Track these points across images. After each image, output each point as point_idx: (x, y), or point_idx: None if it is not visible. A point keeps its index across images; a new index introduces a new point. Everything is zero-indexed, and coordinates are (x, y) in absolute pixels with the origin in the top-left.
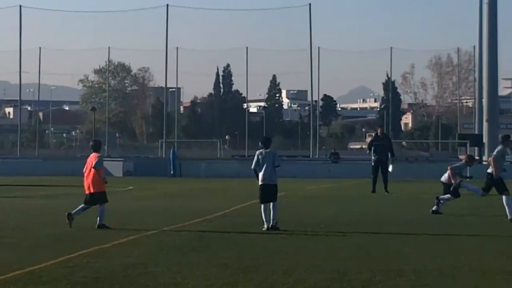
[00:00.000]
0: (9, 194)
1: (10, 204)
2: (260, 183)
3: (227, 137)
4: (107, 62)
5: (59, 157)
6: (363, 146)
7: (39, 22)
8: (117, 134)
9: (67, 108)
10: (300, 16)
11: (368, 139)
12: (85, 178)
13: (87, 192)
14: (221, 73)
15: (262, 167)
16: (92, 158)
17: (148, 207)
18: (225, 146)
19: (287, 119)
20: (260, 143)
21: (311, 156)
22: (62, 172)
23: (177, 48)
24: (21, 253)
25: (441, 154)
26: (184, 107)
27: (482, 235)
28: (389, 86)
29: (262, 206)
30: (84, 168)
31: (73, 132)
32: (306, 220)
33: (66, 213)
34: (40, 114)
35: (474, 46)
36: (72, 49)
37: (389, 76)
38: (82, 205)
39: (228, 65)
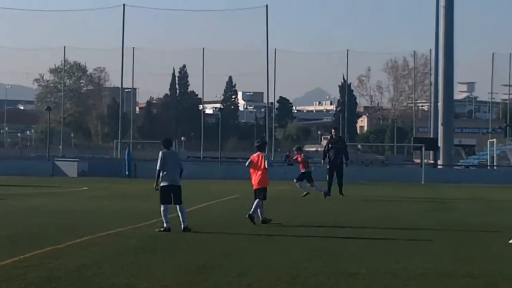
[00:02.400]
0: None
1: None
2: (163, 184)
3: (182, 138)
4: (63, 62)
5: (14, 156)
6: (319, 149)
7: None
8: (72, 134)
9: (22, 107)
10: (257, 18)
11: (324, 142)
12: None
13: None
14: (177, 74)
15: (167, 168)
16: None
17: (103, 207)
18: (181, 148)
19: (243, 120)
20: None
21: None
22: (16, 171)
23: (133, 48)
24: None
25: (396, 158)
26: (140, 108)
27: (436, 238)
28: (345, 88)
29: (163, 206)
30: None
31: (28, 132)
32: (259, 222)
33: (247, 215)
34: None
35: (430, 50)
36: (27, 48)
37: (345, 78)
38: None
39: (184, 66)
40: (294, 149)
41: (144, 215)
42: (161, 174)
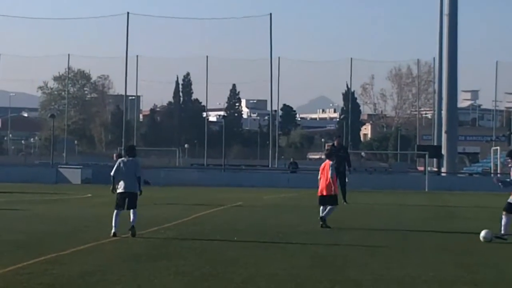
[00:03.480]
0: None
1: None
2: (119, 190)
3: (186, 145)
4: (67, 69)
5: (18, 163)
6: (322, 157)
7: None
8: (76, 141)
9: (26, 114)
10: (261, 26)
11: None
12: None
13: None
14: (181, 82)
15: (122, 175)
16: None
17: (107, 214)
18: (184, 155)
19: (247, 128)
20: None
21: (270, 166)
22: (20, 178)
23: (137, 56)
24: None
25: (400, 165)
26: (144, 115)
27: (439, 246)
28: (349, 96)
29: (115, 211)
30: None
31: (32, 139)
32: (264, 229)
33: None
34: None
35: (434, 58)
36: (32, 56)
37: (349, 86)
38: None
39: (188, 74)
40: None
41: (147, 222)
42: (116, 180)
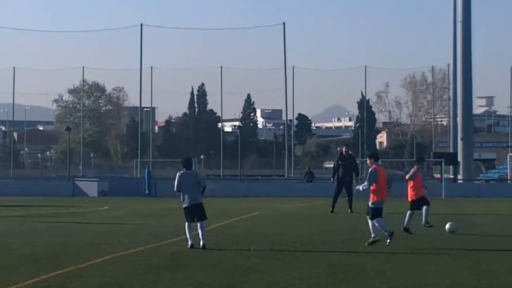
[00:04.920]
0: None
1: None
2: (184, 205)
3: (202, 156)
4: (82, 82)
5: (34, 177)
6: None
7: (13, 42)
8: (91, 154)
9: (41, 128)
10: (274, 35)
11: None
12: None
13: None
14: (195, 92)
15: (184, 188)
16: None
17: (123, 227)
18: (200, 166)
19: (262, 138)
20: None
21: (286, 175)
22: (37, 192)
23: (151, 67)
24: None
25: None
26: (159, 127)
27: (457, 252)
28: (364, 105)
29: (187, 224)
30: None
31: (48, 152)
32: (281, 239)
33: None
34: (15, 134)
35: (448, 65)
36: (46, 69)
37: (364, 95)
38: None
39: (202, 84)
40: None
41: (164, 233)
42: (181, 195)
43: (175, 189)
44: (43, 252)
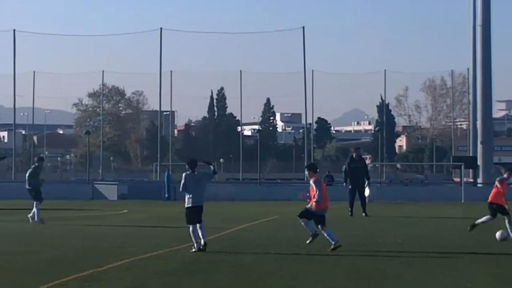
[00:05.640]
0: (2, 218)
1: (4, 228)
2: (187, 205)
3: (221, 160)
4: (101, 86)
5: (54, 180)
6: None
7: (33, 46)
8: (111, 158)
9: (61, 132)
10: (294, 39)
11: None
12: None
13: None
14: (215, 96)
15: (190, 189)
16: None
17: (143, 230)
18: (220, 169)
19: (281, 142)
20: None
21: (305, 179)
22: (57, 195)
23: (171, 71)
24: (17, 277)
25: (436, 177)
26: (178, 130)
27: (476, 257)
28: (383, 108)
29: (191, 227)
30: None
31: (68, 156)
32: (300, 243)
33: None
34: (35, 138)
35: (468, 69)
36: (66, 73)
37: (383, 98)
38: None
39: (222, 88)
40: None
41: (183, 237)
42: (186, 195)
43: (180, 189)
44: (62, 256)
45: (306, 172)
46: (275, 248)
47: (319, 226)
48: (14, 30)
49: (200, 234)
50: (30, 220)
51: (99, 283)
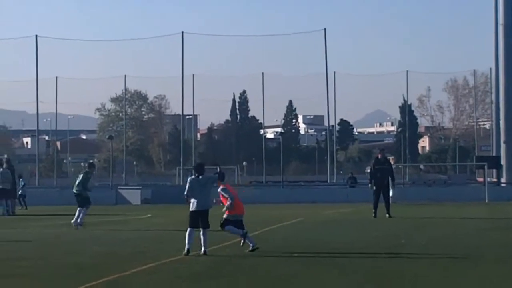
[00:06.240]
0: (27, 224)
1: (29, 233)
2: (191, 209)
3: (244, 163)
4: (124, 91)
5: None
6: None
7: (55, 51)
8: (134, 162)
9: (84, 137)
10: (315, 41)
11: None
12: None
13: None
14: (237, 99)
15: (195, 194)
16: None
17: (166, 234)
18: (243, 173)
19: (304, 144)
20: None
21: (328, 181)
22: None
23: (193, 75)
24: (41, 283)
25: (459, 177)
26: (201, 134)
27: (500, 258)
28: (406, 109)
29: (188, 229)
30: None
31: (91, 161)
32: (323, 245)
33: None
34: (58, 143)
35: (490, 68)
36: (88, 78)
37: (406, 99)
38: None
39: (244, 91)
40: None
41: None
42: (191, 200)
43: (185, 193)
44: (86, 261)
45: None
46: (298, 250)
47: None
48: (36, 35)
49: (201, 241)
50: (74, 226)
51: (121, 287)
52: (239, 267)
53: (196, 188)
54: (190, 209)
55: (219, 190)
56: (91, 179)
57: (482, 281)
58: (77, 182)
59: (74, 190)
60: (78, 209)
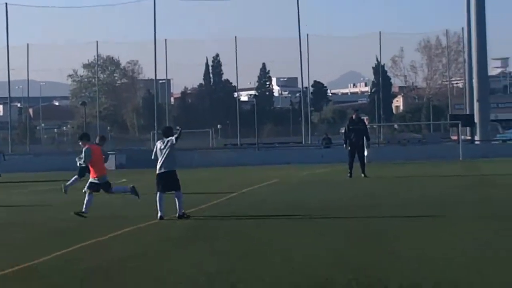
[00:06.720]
0: (1, 192)
1: (3, 201)
2: (158, 171)
3: (219, 126)
4: (96, 57)
5: (51, 152)
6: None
7: (26, 19)
8: (108, 128)
9: (57, 103)
10: (288, 4)
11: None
12: None
13: None
14: (210, 63)
15: (160, 155)
16: None
17: (142, 199)
18: (217, 135)
19: (278, 106)
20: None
21: (303, 142)
22: (55, 167)
23: (165, 39)
24: (19, 249)
25: (433, 136)
26: (175, 98)
27: (475, 213)
28: (379, 70)
29: (158, 194)
30: None
31: (64, 127)
32: (300, 206)
33: None
34: (30, 110)
35: (462, 28)
36: (60, 45)
37: (379, 60)
38: None
39: (217, 55)
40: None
41: (183, 204)
42: (158, 162)
43: (152, 157)
44: (63, 227)
45: (80, 142)
46: (274, 212)
47: (87, 189)
48: (6, 3)
49: (177, 204)
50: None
51: (102, 252)
52: (217, 230)
53: (161, 151)
54: (157, 172)
55: (83, 150)
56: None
57: (461, 238)
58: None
59: (81, 162)
60: (75, 176)
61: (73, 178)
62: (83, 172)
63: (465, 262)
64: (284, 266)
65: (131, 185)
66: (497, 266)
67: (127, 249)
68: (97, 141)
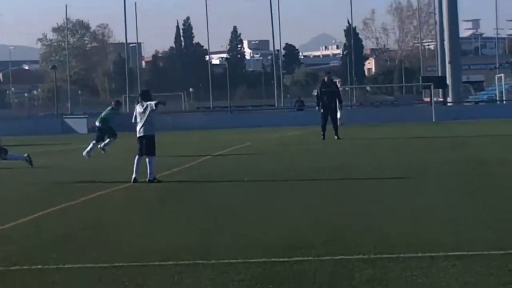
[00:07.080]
0: None
1: None
2: (138, 135)
3: (191, 89)
4: (65, 20)
5: (21, 116)
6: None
7: None
8: (79, 92)
9: (27, 67)
10: None
11: None
12: None
13: None
14: (181, 26)
15: (139, 119)
16: None
17: (115, 163)
18: (190, 99)
19: (250, 69)
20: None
21: (276, 105)
22: (26, 131)
23: (135, 3)
24: None
25: (406, 98)
26: (146, 62)
27: (447, 173)
28: (351, 32)
29: (137, 157)
30: None
31: (35, 91)
32: (274, 168)
33: None
34: (0, 74)
35: None
36: (29, 8)
37: (350, 22)
38: None
39: (188, 18)
40: None
41: (157, 167)
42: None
43: (133, 121)
44: (34, 192)
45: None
46: (248, 175)
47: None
48: None
49: (147, 168)
50: (103, 152)
51: (74, 216)
52: (190, 193)
53: (140, 115)
54: (137, 136)
55: None
56: (115, 116)
57: (433, 196)
58: (101, 116)
59: (97, 123)
60: (93, 142)
61: (90, 144)
62: (102, 134)
63: (438, 222)
64: (259, 228)
65: (26, 154)
66: (468, 224)
67: (100, 213)
68: (113, 104)
